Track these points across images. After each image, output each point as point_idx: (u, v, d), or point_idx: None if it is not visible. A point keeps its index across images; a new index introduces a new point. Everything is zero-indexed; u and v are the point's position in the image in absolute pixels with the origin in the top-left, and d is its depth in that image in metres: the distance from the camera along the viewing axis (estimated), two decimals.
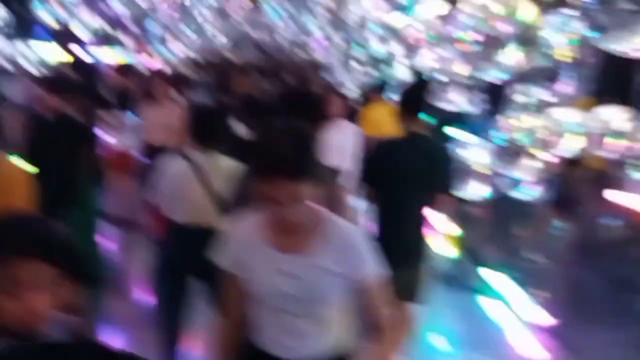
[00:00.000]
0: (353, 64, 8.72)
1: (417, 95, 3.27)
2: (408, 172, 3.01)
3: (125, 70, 5.80)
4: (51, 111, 3.76)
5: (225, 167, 2.89)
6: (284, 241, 1.55)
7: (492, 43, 2.82)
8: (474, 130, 5.12)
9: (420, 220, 3.17)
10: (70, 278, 1.20)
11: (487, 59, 2.88)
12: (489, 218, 5.75)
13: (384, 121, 5.33)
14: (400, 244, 2.89)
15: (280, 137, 1.46)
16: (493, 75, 3.14)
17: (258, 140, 1.55)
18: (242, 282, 1.61)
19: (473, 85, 3.87)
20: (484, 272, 5.05)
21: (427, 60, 5.12)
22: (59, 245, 1.18)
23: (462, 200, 4.63)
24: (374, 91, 6.03)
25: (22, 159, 3.89)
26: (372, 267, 1.59)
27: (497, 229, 5.63)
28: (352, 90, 8.35)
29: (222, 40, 8.26)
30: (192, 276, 3.01)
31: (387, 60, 6.31)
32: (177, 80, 5.90)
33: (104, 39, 7.41)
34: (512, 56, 2.94)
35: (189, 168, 2.85)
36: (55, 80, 4.04)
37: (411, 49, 5.08)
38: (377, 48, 6.23)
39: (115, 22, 7.13)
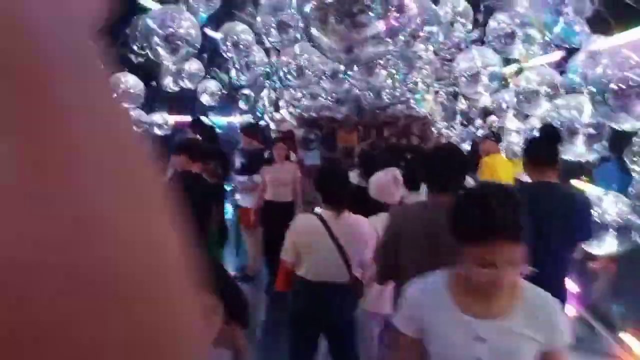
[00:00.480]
0: (458, 116, 8.69)
1: (547, 145, 3.08)
2: (545, 219, 2.77)
3: (251, 130, 6.12)
4: (184, 173, 4.05)
5: (355, 224, 2.95)
6: (477, 305, 1.51)
7: (627, 91, 2.70)
8: (602, 181, 4.84)
9: (562, 270, 2.99)
10: (231, 316, 1.35)
11: (621, 108, 2.75)
12: (615, 273, 5.30)
13: (500, 170, 5.24)
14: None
15: (497, 200, 1.43)
16: (628, 125, 2.97)
17: (469, 203, 1.50)
18: (423, 347, 1.58)
19: (598, 135, 3.68)
20: (613, 333, 4.60)
21: (544, 110, 5.00)
22: (228, 284, 1.35)
23: (587, 255, 4.32)
24: (488, 140, 5.92)
25: None
26: (567, 336, 1.55)
27: (627, 285, 5.17)
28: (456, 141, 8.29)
29: (326, 98, 8.60)
30: (319, 331, 3.05)
31: (498, 111, 6.22)
32: (289, 139, 6.18)
33: (223, 103, 7.99)
34: None
35: (321, 226, 2.94)
36: (188, 144, 4.35)
37: (527, 98, 4.97)
38: (486, 99, 6.17)
39: (233, 87, 7.69)
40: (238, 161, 5.67)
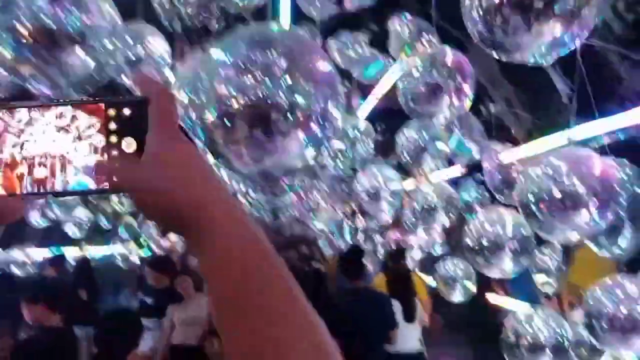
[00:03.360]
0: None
1: (357, 261, 4.26)
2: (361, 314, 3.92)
3: (161, 264, 5.19)
4: (38, 324, 3.19)
5: None
6: None
7: (562, 201, 2.50)
8: (520, 294, 4.71)
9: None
10: None
11: (558, 220, 2.53)
12: None
13: None
14: None
15: None
16: (562, 237, 2.76)
17: None
18: None
19: (524, 249, 3.49)
20: None
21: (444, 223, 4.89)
22: None
23: None
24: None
25: None
26: None
27: None
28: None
29: None
30: None
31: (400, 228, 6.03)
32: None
33: (101, 235, 7.08)
34: None
35: None
36: (47, 290, 3.50)
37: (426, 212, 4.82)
38: (387, 216, 5.98)
39: (112, 215, 6.88)
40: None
